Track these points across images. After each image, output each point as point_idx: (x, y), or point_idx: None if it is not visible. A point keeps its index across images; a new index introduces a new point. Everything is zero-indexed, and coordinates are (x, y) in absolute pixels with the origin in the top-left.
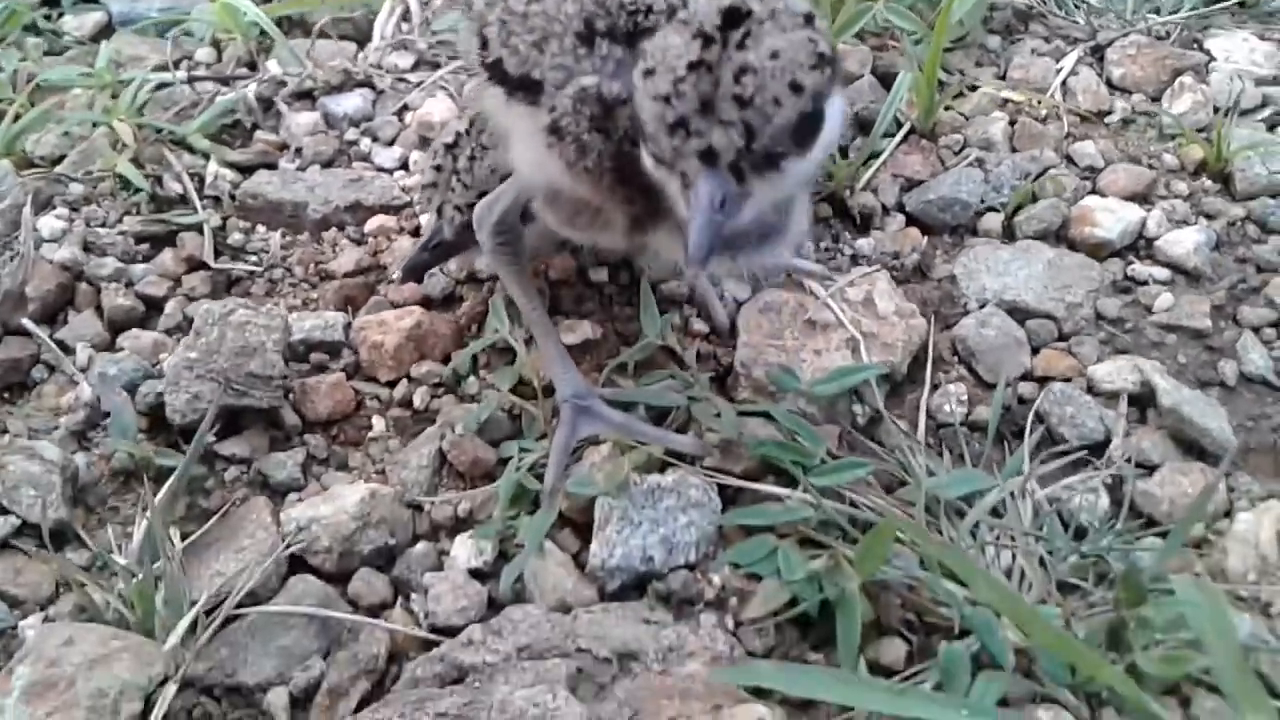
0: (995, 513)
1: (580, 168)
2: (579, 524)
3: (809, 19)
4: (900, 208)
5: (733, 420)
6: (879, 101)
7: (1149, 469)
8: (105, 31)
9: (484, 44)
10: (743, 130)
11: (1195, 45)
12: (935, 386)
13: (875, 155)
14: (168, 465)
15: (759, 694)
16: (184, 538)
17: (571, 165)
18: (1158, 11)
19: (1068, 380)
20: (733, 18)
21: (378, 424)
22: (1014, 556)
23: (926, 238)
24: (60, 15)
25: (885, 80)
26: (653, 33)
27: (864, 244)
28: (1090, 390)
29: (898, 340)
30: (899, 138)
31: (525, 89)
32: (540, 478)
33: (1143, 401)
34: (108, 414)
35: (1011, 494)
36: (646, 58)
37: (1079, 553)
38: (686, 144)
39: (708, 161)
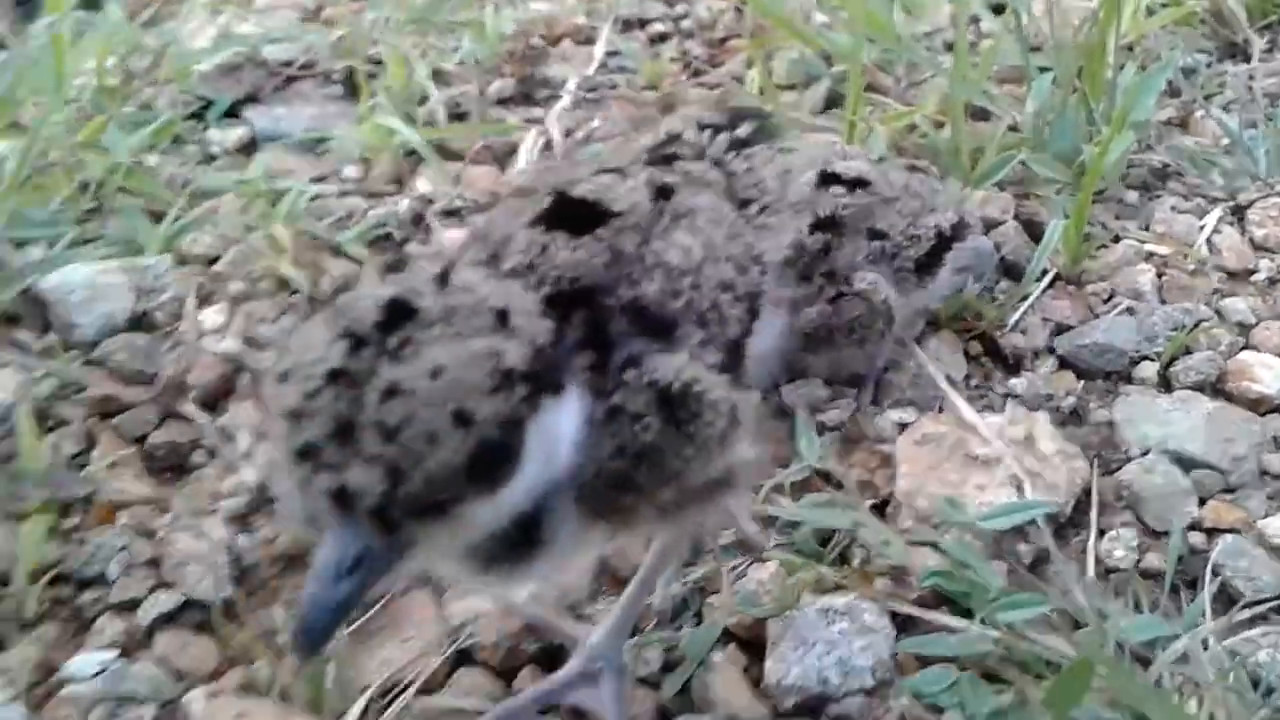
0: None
1: None
2: (744, 641)
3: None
4: (1051, 350)
5: (902, 548)
6: (1021, 247)
7: None
8: (249, 146)
9: None
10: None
11: None
12: (1101, 531)
13: (1024, 298)
14: None
15: None
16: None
17: None
18: None
19: (1237, 532)
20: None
21: None
22: (1199, 707)
23: (1081, 382)
24: (206, 129)
25: (1027, 227)
26: None
27: (1017, 384)
28: (1260, 544)
29: (1060, 481)
30: (1045, 283)
31: None
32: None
33: None
34: (270, 500)
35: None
36: (283, 357)
37: (1273, 707)
38: (315, 480)
39: (342, 507)
